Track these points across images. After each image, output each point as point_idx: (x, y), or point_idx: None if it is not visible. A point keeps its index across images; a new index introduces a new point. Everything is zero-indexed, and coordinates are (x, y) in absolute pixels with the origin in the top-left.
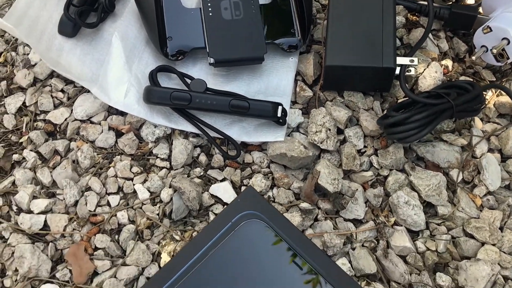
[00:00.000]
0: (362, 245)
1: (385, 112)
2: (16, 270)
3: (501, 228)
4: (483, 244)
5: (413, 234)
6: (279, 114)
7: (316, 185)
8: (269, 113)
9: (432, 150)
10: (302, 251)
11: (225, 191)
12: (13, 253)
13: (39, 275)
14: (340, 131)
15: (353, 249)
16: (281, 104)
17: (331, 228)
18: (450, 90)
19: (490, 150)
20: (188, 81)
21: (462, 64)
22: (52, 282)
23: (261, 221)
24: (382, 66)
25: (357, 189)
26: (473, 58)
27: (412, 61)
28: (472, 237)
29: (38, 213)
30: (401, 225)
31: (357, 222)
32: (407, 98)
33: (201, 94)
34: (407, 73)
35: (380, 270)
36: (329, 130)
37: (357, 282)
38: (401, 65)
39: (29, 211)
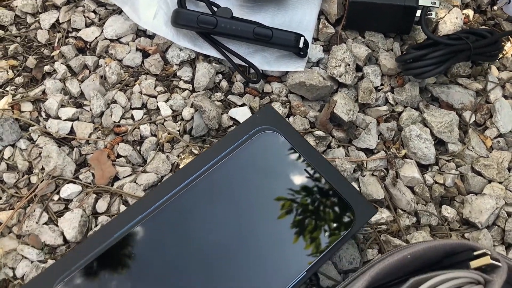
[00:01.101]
0: (372, 174)
1: (404, 52)
2: (43, 168)
3: (509, 169)
4: (490, 181)
5: (422, 168)
6: (300, 45)
7: (331, 114)
8: (291, 42)
9: (447, 91)
10: (316, 165)
11: (243, 115)
12: (40, 153)
13: (63, 175)
14: (358, 69)
15: (363, 176)
16: (303, 36)
17: (343, 155)
18: (469, 35)
19: (505, 96)
20: (215, 9)
21: (483, 15)
22: (75, 183)
23: (278, 134)
24: (404, 4)
25: (371, 122)
26: (495, 8)
27: (434, 3)
28: (479, 174)
29: (65, 120)
30: (411, 158)
31: (368, 151)
32: (427, 39)
33: (226, 20)
34: (428, 16)
35: (388, 198)
36: (348, 65)
37: (366, 199)
38: (423, 6)
39: (57, 117)
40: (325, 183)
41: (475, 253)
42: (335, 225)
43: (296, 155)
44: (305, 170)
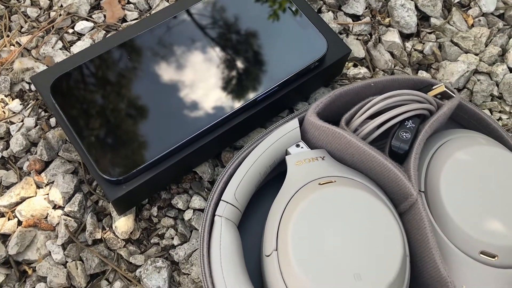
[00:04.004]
0: (357, 39)
1: None
2: (61, 6)
3: (486, 44)
4: (466, 52)
5: (404, 38)
6: None
7: None
8: None
9: None
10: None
11: None
12: None
13: (78, 13)
14: None
15: (347, 37)
16: None
17: (332, 18)
18: None
19: None
20: None
21: None
22: (88, 20)
23: None
24: None
25: None
26: None
27: None
28: (457, 45)
29: None
30: (394, 28)
31: (355, 17)
32: None
33: None
34: None
35: (368, 59)
36: None
37: (341, 39)
38: None
39: None
40: (300, 16)
41: (433, 87)
42: (309, 52)
43: None
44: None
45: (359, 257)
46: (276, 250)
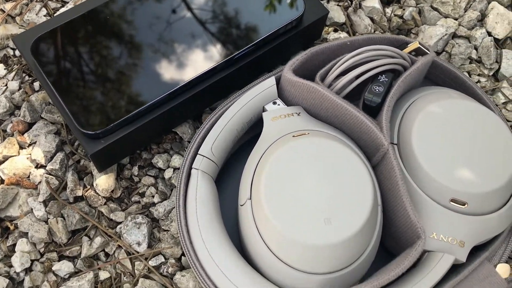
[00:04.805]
0: (337, 5)
1: None
2: None
3: (465, 9)
4: (446, 17)
5: (384, 4)
6: None
7: None
8: None
9: None
10: None
11: None
12: None
13: None
14: None
15: (328, 3)
16: None
17: None
18: None
19: None
20: None
21: None
22: None
23: None
24: None
25: None
26: None
27: None
28: (436, 10)
29: None
30: None
31: None
32: None
33: None
34: None
35: (348, 24)
36: None
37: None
38: None
39: None
40: None
41: (408, 45)
42: (286, 12)
43: None
44: None
45: (330, 203)
46: (250, 199)
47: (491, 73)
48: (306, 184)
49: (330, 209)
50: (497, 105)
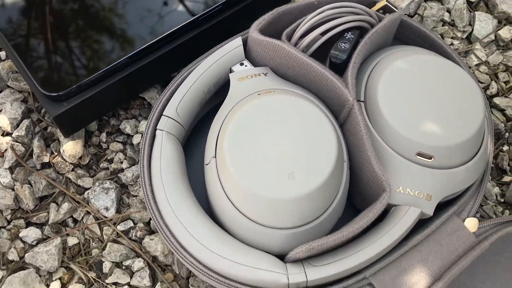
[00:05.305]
0: None
1: None
2: None
3: None
4: None
5: None
6: None
7: None
8: None
9: None
10: None
11: None
12: None
13: None
14: None
15: None
16: None
17: None
18: None
19: None
20: None
21: None
22: None
23: None
24: None
25: None
26: None
27: None
28: None
29: None
30: None
31: None
32: None
33: None
34: None
35: None
36: None
37: None
38: None
39: None
40: None
41: (377, 3)
42: None
43: None
44: None
45: (293, 159)
46: (215, 157)
47: (464, 36)
48: (270, 140)
49: (294, 165)
50: (470, 67)
